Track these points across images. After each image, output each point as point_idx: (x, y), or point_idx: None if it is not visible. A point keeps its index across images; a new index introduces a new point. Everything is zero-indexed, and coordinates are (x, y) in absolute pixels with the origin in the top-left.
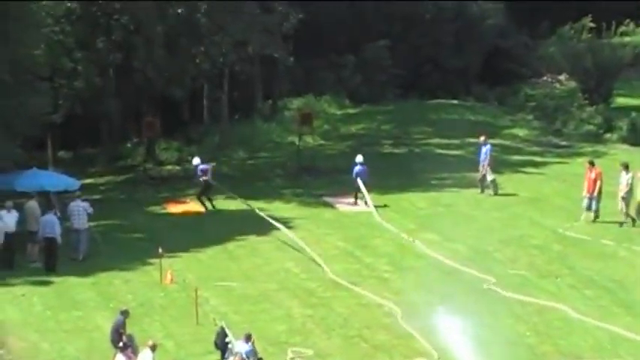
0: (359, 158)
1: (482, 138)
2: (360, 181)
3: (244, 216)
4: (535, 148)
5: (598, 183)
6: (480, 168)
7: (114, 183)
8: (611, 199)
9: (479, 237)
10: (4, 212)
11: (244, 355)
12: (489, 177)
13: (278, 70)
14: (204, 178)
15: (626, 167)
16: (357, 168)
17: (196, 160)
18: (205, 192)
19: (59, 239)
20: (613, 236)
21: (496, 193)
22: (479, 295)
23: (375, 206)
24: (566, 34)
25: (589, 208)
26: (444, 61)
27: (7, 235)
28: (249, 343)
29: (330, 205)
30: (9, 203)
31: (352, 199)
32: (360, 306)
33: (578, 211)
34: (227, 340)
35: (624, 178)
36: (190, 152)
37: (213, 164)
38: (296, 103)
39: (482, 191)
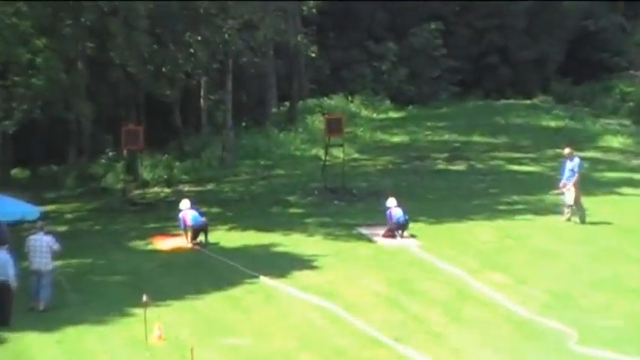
0: (391, 202)
1: (566, 150)
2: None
3: (254, 253)
4: (634, 162)
5: None
6: (562, 187)
7: (85, 210)
8: None
9: (560, 278)
10: None
11: None
12: (568, 200)
13: (297, 63)
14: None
15: None
16: (402, 217)
17: (185, 204)
18: (194, 236)
19: (13, 283)
20: None
21: (583, 222)
22: (561, 354)
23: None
24: None
25: None
26: (514, 51)
27: None
28: None
29: (367, 239)
30: None
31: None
32: None
33: None
34: None
35: None
36: (184, 169)
37: (204, 219)
38: (321, 105)
39: (569, 219)
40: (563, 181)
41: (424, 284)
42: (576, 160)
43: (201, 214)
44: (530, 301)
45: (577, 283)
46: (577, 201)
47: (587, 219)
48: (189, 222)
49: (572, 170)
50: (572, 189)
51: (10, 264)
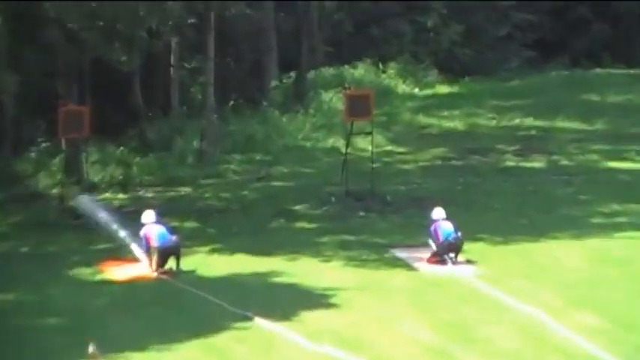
0: (439, 213)
1: None
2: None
3: (247, 286)
4: None
5: None
6: None
7: (7, 225)
8: None
9: None
10: None
11: None
12: None
13: (308, 17)
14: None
15: None
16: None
17: (149, 216)
18: (162, 261)
19: None
20: None
21: None
22: None
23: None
24: None
25: None
26: (609, 4)
27: None
28: None
29: (406, 265)
30: None
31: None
32: None
33: None
34: None
35: None
36: (147, 167)
37: (175, 238)
38: (341, 76)
39: None
40: None
41: (486, 329)
42: None
43: (171, 230)
44: (636, 353)
45: None
46: None
47: None
48: (155, 242)
49: None
50: None
51: None
